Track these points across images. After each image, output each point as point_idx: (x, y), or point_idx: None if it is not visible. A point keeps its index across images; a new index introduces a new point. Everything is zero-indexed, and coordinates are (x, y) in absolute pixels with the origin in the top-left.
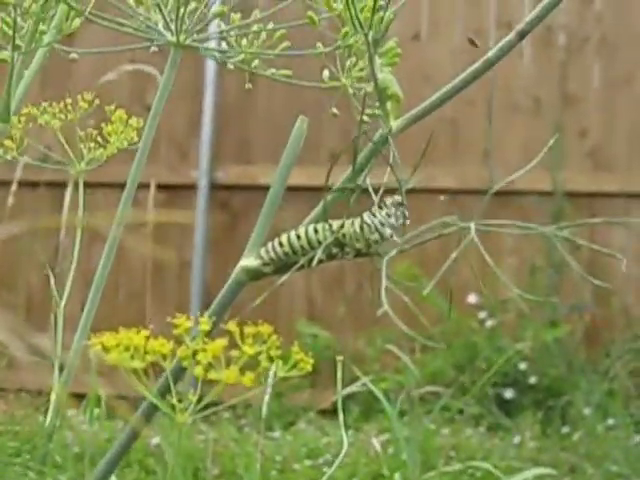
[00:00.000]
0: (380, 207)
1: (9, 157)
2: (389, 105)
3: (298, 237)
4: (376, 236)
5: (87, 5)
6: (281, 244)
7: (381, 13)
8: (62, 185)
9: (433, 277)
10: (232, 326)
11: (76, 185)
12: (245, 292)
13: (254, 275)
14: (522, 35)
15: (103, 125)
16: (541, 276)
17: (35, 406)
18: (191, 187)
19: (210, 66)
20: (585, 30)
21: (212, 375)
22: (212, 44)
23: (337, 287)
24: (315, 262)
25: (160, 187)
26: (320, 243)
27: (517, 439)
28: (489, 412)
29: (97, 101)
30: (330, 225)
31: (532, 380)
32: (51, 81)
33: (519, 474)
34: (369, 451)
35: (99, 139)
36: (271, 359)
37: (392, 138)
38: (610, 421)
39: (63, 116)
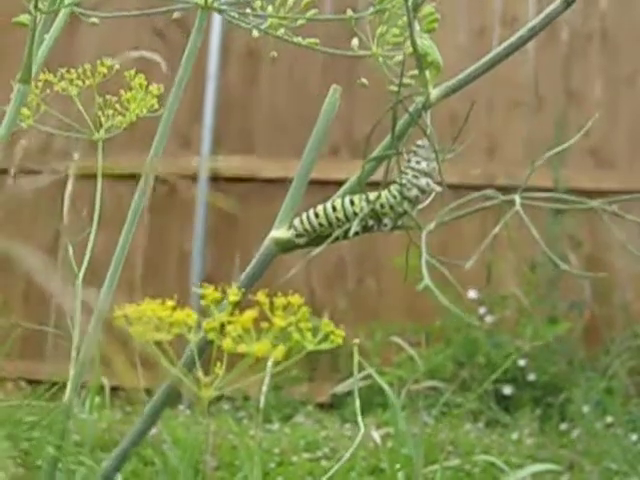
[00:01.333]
0: (408, 160)
1: (24, 125)
2: (428, 73)
3: (334, 208)
4: (414, 192)
5: None
6: (317, 215)
7: None
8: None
9: (434, 268)
10: (262, 297)
11: (78, 175)
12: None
13: (286, 246)
14: (569, 3)
15: (122, 92)
16: (541, 272)
17: (36, 395)
18: (192, 177)
19: (213, 56)
20: (589, 27)
21: (242, 348)
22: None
23: (338, 280)
24: (351, 234)
25: (160, 177)
26: (356, 215)
27: (515, 435)
28: (488, 408)
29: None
30: (367, 196)
31: (531, 377)
32: (54, 66)
33: (520, 470)
34: (368, 444)
35: (118, 107)
36: (301, 331)
37: (431, 106)
38: (609, 419)
39: (80, 82)
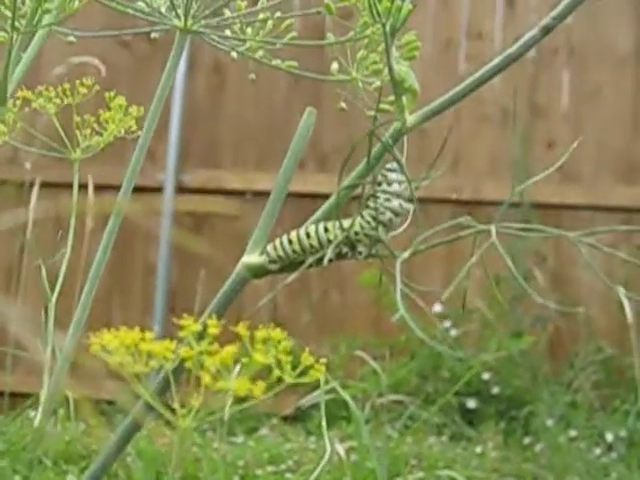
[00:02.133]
0: (379, 184)
1: (0, 142)
2: (404, 99)
3: (308, 235)
4: (388, 215)
5: None
6: (290, 241)
7: (398, 2)
8: (26, 185)
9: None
10: (242, 329)
11: (42, 185)
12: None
13: (258, 272)
14: (547, 31)
15: (101, 111)
16: (506, 287)
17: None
18: (157, 190)
19: (179, 68)
20: (555, 42)
21: (221, 385)
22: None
23: (302, 294)
24: (325, 261)
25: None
26: (330, 242)
27: (479, 449)
28: (452, 421)
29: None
30: (341, 223)
31: (495, 390)
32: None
33: None
34: (332, 458)
35: (95, 126)
36: (280, 365)
37: (407, 132)
38: (572, 432)
39: (59, 100)
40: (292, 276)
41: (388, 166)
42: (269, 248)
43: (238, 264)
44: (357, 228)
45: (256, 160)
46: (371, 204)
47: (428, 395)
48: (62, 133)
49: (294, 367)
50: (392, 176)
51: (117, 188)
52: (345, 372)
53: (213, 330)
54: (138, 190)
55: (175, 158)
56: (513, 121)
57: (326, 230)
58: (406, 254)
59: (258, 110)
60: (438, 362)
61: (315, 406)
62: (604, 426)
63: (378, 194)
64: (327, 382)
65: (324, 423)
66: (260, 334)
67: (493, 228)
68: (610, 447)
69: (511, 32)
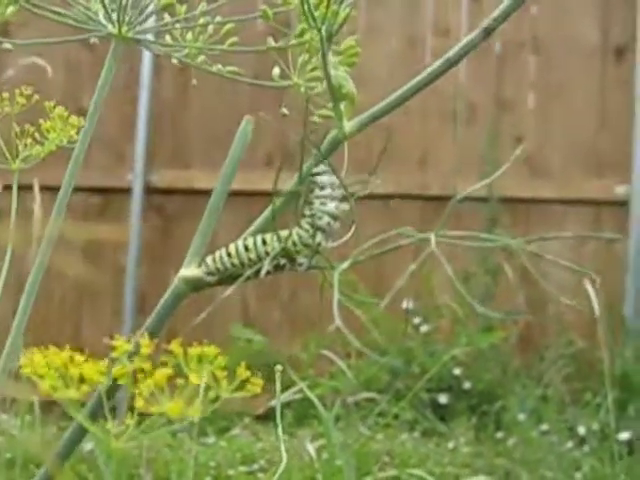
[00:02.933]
0: (311, 190)
1: None
2: (342, 105)
3: (246, 248)
4: (325, 219)
5: None
6: (229, 255)
7: (335, 7)
8: None
9: (368, 284)
10: (176, 346)
11: (6, 187)
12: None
13: (195, 286)
14: (488, 32)
15: (41, 121)
16: (475, 282)
17: None
18: (126, 191)
19: (145, 68)
20: (521, 35)
21: (155, 408)
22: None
23: (272, 292)
24: (263, 274)
25: (94, 191)
26: (268, 254)
27: (452, 444)
28: (424, 417)
29: (34, 96)
30: (278, 235)
31: (467, 385)
32: None
33: None
34: (303, 457)
35: (37, 136)
36: (217, 381)
37: (345, 140)
38: (544, 426)
39: None
40: (229, 289)
41: (317, 170)
42: (208, 260)
43: (175, 278)
44: (295, 238)
45: (224, 159)
46: (307, 211)
47: (399, 392)
48: (1, 143)
49: (267, 368)
50: (324, 179)
51: (82, 190)
52: (316, 370)
53: (146, 350)
54: (107, 191)
55: (143, 158)
56: (480, 116)
57: (264, 242)
58: (344, 265)
59: (225, 109)
60: (409, 358)
61: (286, 405)
62: (575, 420)
63: (312, 200)
64: (297, 381)
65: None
66: (194, 351)
67: (432, 237)
68: (582, 440)
69: (477, 27)
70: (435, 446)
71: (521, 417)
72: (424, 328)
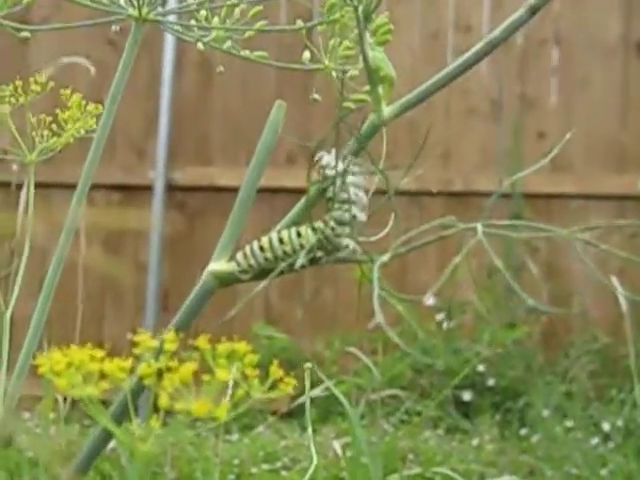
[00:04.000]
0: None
1: None
2: (381, 89)
3: (281, 241)
4: (353, 209)
5: None
6: (262, 248)
7: None
8: (5, 185)
9: (390, 279)
10: (203, 342)
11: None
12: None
13: (226, 280)
14: (534, 10)
15: (58, 111)
16: (499, 278)
17: None
18: (148, 188)
19: (166, 65)
20: (543, 32)
21: (180, 405)
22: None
23: (295, 289)
24: (297, 266)
25: (116, 188)
26: (303, 247)
27: (476, 441)
28: (447, 414)
29: (51, 88)
30: (313, 227)
31: (490, 382)
32: (7, 77)
33: None
34: (327, 454)
35: (54, 127)
36: (247, 379)
37: (384, 125)
38: (569, 423)
39: (14, 100)
40: (262, 284)
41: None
42: (239, 257)
43: (204, 272)
44: (328, 229)
45: (246, 156)
46: (336, 203)
47: (423, 389)
48: (17, 134)
49: (290, 365)
50: (353, 171)
51: (104, 187)
52: (339, 367)
53: (170, 346)
54: (129, 189)
55: (165, 156)
56: (502, 113)
57: (299, 235)
58: (385, 257)
59: (247, 105)
60: (432, 355)
61: (310, 402)
62: (600, 416)
63: (337, 193)
64: (321, 378)
65: (310, 430)
66: (222, 348)
67: (479, 226)
68: (607, 437)
69: (499, 24)
70: (459, 443)
71: (545, 414)
72: (447, 324)
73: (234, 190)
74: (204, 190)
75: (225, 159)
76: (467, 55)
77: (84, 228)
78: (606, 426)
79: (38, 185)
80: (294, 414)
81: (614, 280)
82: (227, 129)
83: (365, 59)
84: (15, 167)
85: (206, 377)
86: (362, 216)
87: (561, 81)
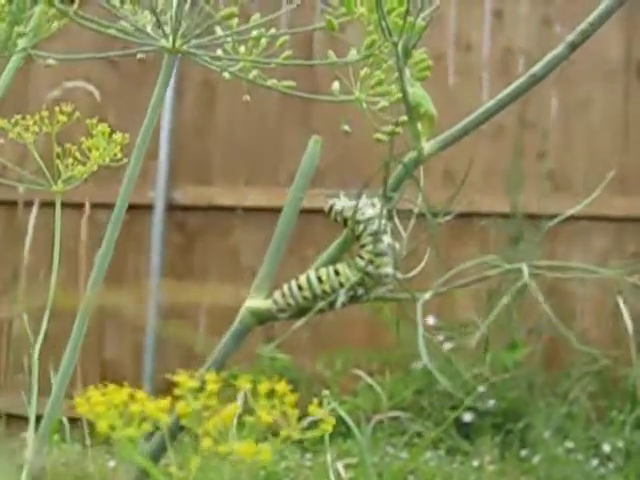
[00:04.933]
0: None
1: None
2: (420, 125)
3: (320, 280)
4: (385, 239)
5: (68, 6)
6: (300, 287)
7: (411, 18)
8: (14, 204)
9: (396, 306)
10: (244, 382)
11: (38, 204)
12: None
13: (263, 318)
14: (573, 47)
15: (83, 139)
16: (499, 298)
17: None
18: (148, 207)
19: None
20: (543, 53)
21: (223, 448)
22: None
23: None
24: (339, 305)
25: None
26: (342, 285)
27: (476, 462)
28: (448, 435)
29: (75, 113)
30: (349, 263)
31: (491, 403)
32: (8, 99)
33: None
34: (329, 475)
35: (77, 155)
36: (287, 419)
37: (424, 161)
38: (569, 444)
39: (37, 129)
40: (300, 322)
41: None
42: (277, 296)
43: (241, 309)
44: (366, 263)
45: (246, 176)
46: (367, 242)
47: (423, 410)
48: (42, 164)
49: (292, 385)
50: (370, 214)
51: (106, 206)
52: (341, 387)
53: (212, 386)
54: (128, 208)
55: (165, 175)
56: (505, 133)
57: (337, 273)
58: (427, 295)
59: (247, 125)
60: (433, 376)
61: (312, 423)
62: (601, 437)
63: (366, 237)
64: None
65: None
66: (263, 388)
67: (525, 267)
68: (607, 458)
69: (499, 43)
70: (460, 464)
71: (546, 435)
72: (448, 345)
73: (233, 209)
74: (204, 210)
75: (225, 179)
76: (509, 90)
77: (84, 248)
78: (607, 447)
79: (44, 204)
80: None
81: (620, 302)
82: (227, 149)
83: (405, 96)
84: (21, 189)
85: (249, 418)
86: (395, 244)
87: (562, 101)
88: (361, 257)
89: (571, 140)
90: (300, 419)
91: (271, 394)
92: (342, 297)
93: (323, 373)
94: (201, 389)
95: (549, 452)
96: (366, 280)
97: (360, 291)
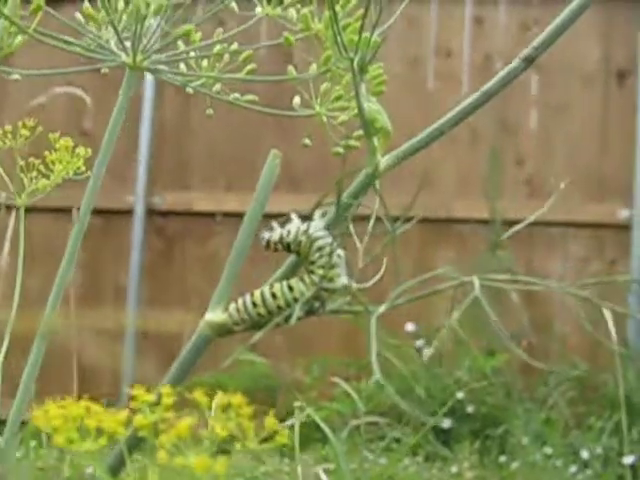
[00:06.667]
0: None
1: None
2: (376, 140)
3: (274, 296)
4: (327, 254)
5: (31, 22)
6: (254, 304)
7: (366, 34)
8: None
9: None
10: (200, 396)
11: (8, 210)
12: None
13: (221, 331)
14: (529, 60)
15: (47, 153)
16: (477, 304)
17: None
18: (127, 212)
19: (147, 90)
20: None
21: (179, 461)
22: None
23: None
24: (294, 320)
25: (95, 212)
26: (296, 300)
27: (455, 469)
28: (427, 441)
29: (37, 128)
30: (304, 279)
31: (470, 409)
32: None
33: None
34: None
35: (41, 168)
36: (243, 431)
37: (379, 176)
38: (548, 450)
39: (1, 143)
40: (257, 335)
41: (291, 215)
42: (232, 309)
43: (201, 322)
44: (318, 277)
45: (226, 181)
46: (316, 246)
47: (402, 415)
48: (6, 177)
49: (271, 391)
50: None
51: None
52: (319, 393)
53: (167, 400)
54: (108, 213)
55: (144, 180)
56: (482, 139)
57: (290, 289)
58: (381, 309)
59: (227, 130)
60: (413, 381)
61: (289, 428)
62: (579, 443)
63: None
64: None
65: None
66: (220, 400)
67: (476, 280)
68: (586, 464)
69: (479, 49)
70: (438, 471)
71: (525, 441)
72: (427, 351)
73: (212, 215)
74: (182, 215)
75: (204, 184)
76: (463, 105)
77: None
78: (585, 454)
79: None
80: (273, 439)
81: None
82: (206, 154)
83: (360, 111)
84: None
85: (204, 432)
86: (344, 255)
87: (540, 107)
88: (313, 272)
89: (549, 146)
90: (281, 422)
91: (228, 407)
92: (298, 312)
93: (301, 379)
94: (159, 402)
95: (528, 458)
96: (321, 294)
97: (316, 305)
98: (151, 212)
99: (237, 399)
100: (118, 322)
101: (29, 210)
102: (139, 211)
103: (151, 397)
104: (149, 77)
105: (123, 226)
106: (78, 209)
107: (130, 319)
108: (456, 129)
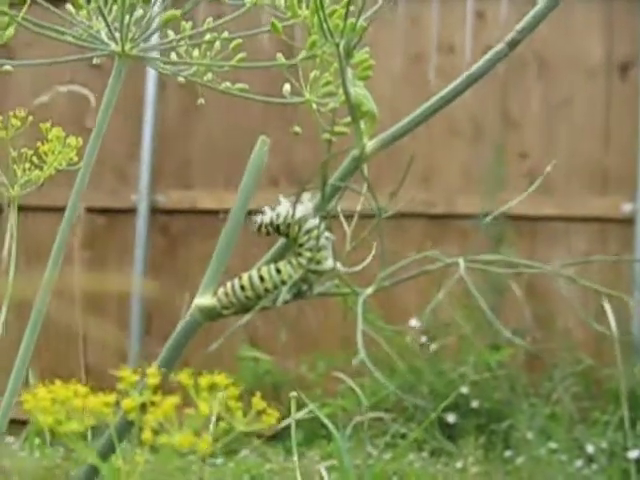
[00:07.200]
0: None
1: None
2: (362, 124)
3: (261, 279)
4: (324, 233)
5: (22, 12)
6: (242, 287)
7: (352, 20)
8: None
9: (375, 301)
10: (185, 377)
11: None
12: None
13: (211, 315)
14: (512, 45)
15: (39, 144)
16: (482, 299)
17: None
18: (131, 211)
19: (149, 87)
20: (525, 53)
21: (163, 439)
22: (157, 55)
23: (278, 312)
24: (280, 302)
25: (99, 211)
26: (284, 283)
27: (460, 464)
28: (432, 437)
29: (33, 121)
30: (292, 262)
31: (474, 404)
32: None
33: None
34: (313, 477)
35: (35, 159)
36: (230, 412)
37: (366, 160)
38: (553, 445)
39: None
40: (244, 319)
41: (280, 199)
42: (220, 293)
43: (191, 306)
44: (305, 260)
45: (228, 179)
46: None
47: (407, 411)
48: None
49: (275, 388)
50: (282, 208)
51: (88, 210)
52: (324, 389)
53: (153, 380)
54: (112, 211)
55: (148, 179)
56: (485, 134)
57: (278, 271)
58: (368, 291)
59: (230, 129)
60: (416, 377)
61: (295, 425)
62: (584, 438)
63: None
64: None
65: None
66: (204, 381)
67: (461, 261)
68: (591, 459)
69: (482, 44)
70: (443, 466)
71: (530, 436)
72: (431, 346)
73: (215, 212)
74: (186, 213)
75: (206, 182)
76: (448, 89)
77: (78, 251)
78: (590, 448)
79: (22, 208)
80: (279, 437)
81: (605, 304)
82: (209, 153)
83: (346, 95)
84: None
85: (189, 411)
86: (332, 237)
87: (543, 102)
88: (301, 255)
89: (552, 140)
90: (279, 421)
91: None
92: (285, 294)
93: (306, 375)
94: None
95: (533, 453)
96: (309, 276)
97: (304, 287)
98: (155, 210)
99: (222, 379)
100: (122, 321)
101: (34, 209)
102: (143, 209)
103: (136, 378)
104: (151, 76)
105: (127, 224)
106: (84, 209)
107: (134, 317)
108: (459, 124)
